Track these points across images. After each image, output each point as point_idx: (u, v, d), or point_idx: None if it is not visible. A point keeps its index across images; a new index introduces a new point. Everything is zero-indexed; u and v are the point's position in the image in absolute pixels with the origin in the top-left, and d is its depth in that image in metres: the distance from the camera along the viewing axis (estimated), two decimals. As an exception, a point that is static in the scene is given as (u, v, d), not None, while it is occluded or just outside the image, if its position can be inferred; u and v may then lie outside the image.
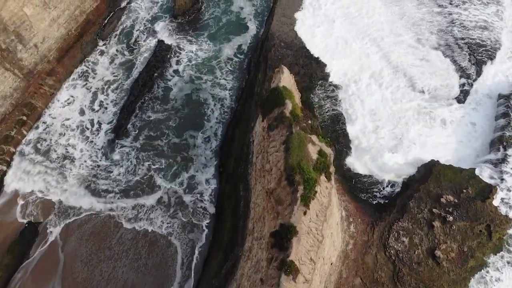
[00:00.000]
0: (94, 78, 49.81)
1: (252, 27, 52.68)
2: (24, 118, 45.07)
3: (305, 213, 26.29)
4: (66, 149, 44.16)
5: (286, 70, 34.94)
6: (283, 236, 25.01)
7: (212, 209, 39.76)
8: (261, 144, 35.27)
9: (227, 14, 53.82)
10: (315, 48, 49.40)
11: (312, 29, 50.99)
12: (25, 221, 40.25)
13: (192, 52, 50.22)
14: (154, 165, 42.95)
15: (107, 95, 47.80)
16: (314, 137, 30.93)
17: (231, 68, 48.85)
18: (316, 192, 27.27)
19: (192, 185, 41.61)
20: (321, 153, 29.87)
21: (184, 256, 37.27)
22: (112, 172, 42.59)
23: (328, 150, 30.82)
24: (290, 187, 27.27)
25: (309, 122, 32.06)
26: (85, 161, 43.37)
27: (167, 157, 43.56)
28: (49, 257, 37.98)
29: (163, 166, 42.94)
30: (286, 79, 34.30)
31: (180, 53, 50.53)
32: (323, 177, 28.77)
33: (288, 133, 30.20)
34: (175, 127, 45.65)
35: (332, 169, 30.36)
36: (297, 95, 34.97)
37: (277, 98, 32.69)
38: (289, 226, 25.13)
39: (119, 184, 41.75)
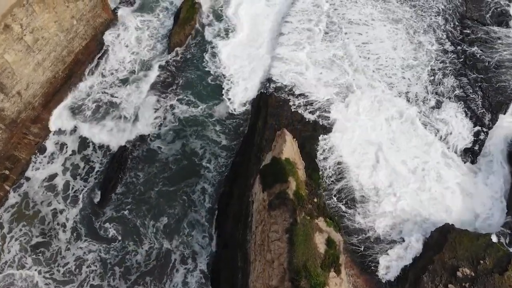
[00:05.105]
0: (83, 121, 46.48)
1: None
2: (7, 172, 41.73)
3: (312, 324, 23.40)
4: (54, 223, 40.26)
5: (288, 138, 31.87)
6: None
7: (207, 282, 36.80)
8: (261, 214, 32.26)
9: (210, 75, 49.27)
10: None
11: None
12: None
13: (181, 108, 46.36)
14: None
15: (93, 151, 44.13)
16: (321, 222, 27.93)
17: (227, 128, 45.36)
18: (324, 295, 24.38)
19: (188, 250, 38.66)
20: (329, 242, 26.90)
21: None
22: (117, 253, 38.75)
23: (337, 237, 27.85)
24: (295, 291, 24.32)
25: (315, 200, 29.01)
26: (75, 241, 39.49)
27: (162, 211, 40.46)
28: None
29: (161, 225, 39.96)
30: (289, 148, 31.24)
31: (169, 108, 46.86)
32: (332, 273, 25.85)
33: (292, 220, 27.17)
34: (168, 177, 42.51)
35: (342, 259, 27.38)
36: (301, 166, 31.95)
37: (279, 174, 29.67)
38: None
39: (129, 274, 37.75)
